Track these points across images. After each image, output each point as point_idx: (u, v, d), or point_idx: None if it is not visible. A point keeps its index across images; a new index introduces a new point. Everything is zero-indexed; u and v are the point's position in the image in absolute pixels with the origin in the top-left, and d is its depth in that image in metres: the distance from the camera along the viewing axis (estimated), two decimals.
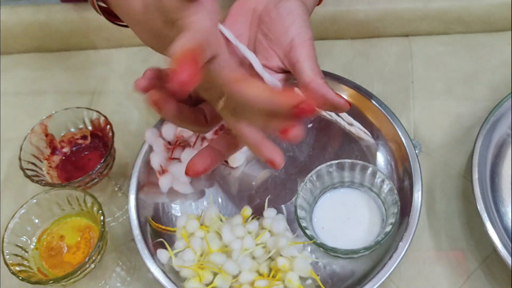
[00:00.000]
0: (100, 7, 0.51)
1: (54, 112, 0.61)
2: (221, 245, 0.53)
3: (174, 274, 0.52)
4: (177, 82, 0.32)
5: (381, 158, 0.59)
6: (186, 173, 0.44)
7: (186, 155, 0.58)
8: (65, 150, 0.63)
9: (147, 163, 0.59)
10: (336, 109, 0.44)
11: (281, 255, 0.51)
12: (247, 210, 0.56)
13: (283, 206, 0.57)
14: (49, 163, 0.62)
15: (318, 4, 0.54)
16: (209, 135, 0.60)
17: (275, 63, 0.47)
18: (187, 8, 0.38)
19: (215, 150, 0.45)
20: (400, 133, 0.58)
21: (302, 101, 0.35)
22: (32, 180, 0.57)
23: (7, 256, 0.53)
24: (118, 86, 0.72)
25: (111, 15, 0.52)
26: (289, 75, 0.48)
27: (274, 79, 0.46)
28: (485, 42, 0.70)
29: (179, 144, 0.60)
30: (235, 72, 0.39)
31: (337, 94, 0.44)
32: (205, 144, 0.60)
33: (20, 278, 0.51)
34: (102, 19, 0.73)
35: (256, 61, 0.45)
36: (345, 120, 0.61)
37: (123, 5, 0.46)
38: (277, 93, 0.36)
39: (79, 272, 0.52)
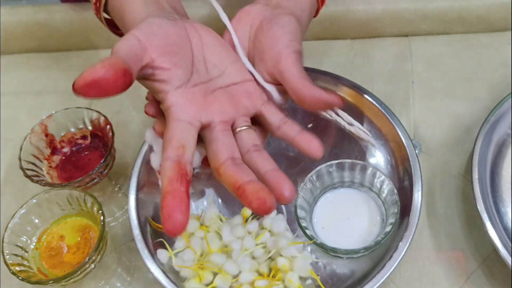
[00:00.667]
0: (106, 19, 0.53)
1: (54, 112, 0.61)
2: (221, 245, 0.53)
3: (174, 274, 0.52)
4: (169, 234, 0.37)
5: (381, 158, 0.59)
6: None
7: None
8: (65, 150, 0.63)
9: (147, 163, 0.59)
10: (330, 106, 0.44)
11: (281, 255, 0.51)
12: (247, 210, 0.56)
13: (283, 206, 0.57)
14: (49, 163, 0.62)
15: (314, 16, 0.55)
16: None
17: (266, 76, 0.48)
18: (158, 93, 0.43)
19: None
20: (400, 133, 0.58)
21: (256, 209, 0.38)
22: (32, 180, 0.57)
23: (7, 256, 0.53)
24: None
25: (116, 27, 0.54)
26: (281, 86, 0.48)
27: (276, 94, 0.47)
28: (485, 42, 0.70)
29: None
30: (216, 157, 0.42)
31: (327, 91, 0.44)
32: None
33: (20, 278, 0.51)
34: None
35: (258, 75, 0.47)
36: (345, 120, 0.61)
37: (121, 25, 0.49)
38: (240, 194, 0.39)
39: (79, 272, 0.52)
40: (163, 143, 0.41)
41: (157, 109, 0.46)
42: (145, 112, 0.47)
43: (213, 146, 0.43)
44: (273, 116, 0.46)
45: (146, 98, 0.49)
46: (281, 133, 0.45)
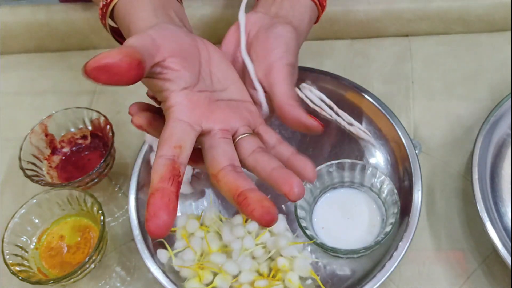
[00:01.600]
0: (110, 27, 0.53)
1: (54, 112, 0.61)
2: (221, 245, 0.53)
3: (174, 274, 0.52)
4: (150, 235, 0.35)
5: (381, 158, 0.59)
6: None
7: None
8: (65, 150, 0.63)
9: (147, 163, 0.59)
10: (310, 130, 0.45)
11: (281, 255, 0.51)
12: None
13: (283, 206, 0.57)
14: (49, 163, 0.62)
15: (315, 23, 0.55)
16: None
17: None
18: (162, 91, 0.42)
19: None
20: (400, 133, 0.58)
21: (258, 218, 0.38)
22: (32, 180, 0.57)
23: (7, 256, 0.53)
24: (118, 86, 0.72)
25: (118, 35, 0.54)
26: None
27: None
28: (485, 42, 0.70)
29: None
30: (214, 164, 0.40)
31: (309, 115, 0.44)
32: None
33: (20, 278, 0.51)
34: None
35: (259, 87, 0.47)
36: (345, 120, 0.61)
37: (126, 33, 0.48)
38: (240, 202, 0.39)
39: (79, 272, 0.52)
40: (160, 140, 0.40)
41: (147, 121, 0.45)
42: (132, 122, 0.45)
43: (212, 152, 0.41)
44: (270, 136, 0.45)
45: (147, 94, 0.48)
46: (275, 152, 0.44)
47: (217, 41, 0.73)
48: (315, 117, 0.45)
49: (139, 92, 0.71)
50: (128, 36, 0.49)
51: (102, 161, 0.57)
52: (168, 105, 0.42)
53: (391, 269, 0.50)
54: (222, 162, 0.40)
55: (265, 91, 0.47)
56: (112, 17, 0.51)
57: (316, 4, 0.53)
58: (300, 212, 0.52)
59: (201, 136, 0.42)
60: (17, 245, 0.54)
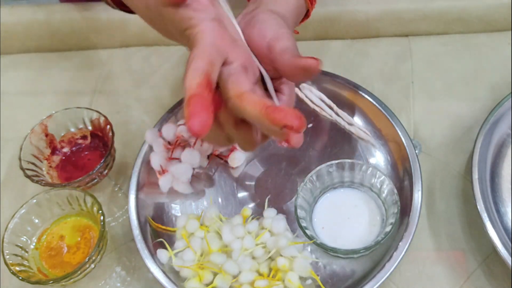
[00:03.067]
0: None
1: (54, 112, 0.61)
2: (221, 245, 0.53)
3: (174, 274, 0.52)
4: (192, 133, 0.35)
5: (381, 158, 0.59)
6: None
7: (186, 155, 0.58)
8: (65, 150, 0.63)
9: (147, 163, 0.59)
10: (308, 71, 0.42)
11: (281, 255, 0.51)
12: (247, 210, 0.56)
13: (283, 206, 0.57)
14: (49, 163, 0.62)
15: (307, 18, 0.54)
16: None
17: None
18: (191, 18, 0.41)
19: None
20: (400, 133, 0.58)
21: (290, 123, 0.37)
22: (32, 180, 0.57)
23: (7, 256, 0.53)
24: (118, 86, 0.72)
25: (122, 5, 0.53)
26: None
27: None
28: (485, 42, 0.70)
29: (179, 144, 0.60)
30: (238, 85, 0.40)
31: (305, 57, 0.43)
32: (205, 144, 0.60)
33: (20, 278, 0.51)
34: (102, 19, 0.73)
35: (267, 78, 0.46)
36: (345, 120, 0.61)
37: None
38: (270, 113, 0.38)
39: (79, 272, 0.52)
40: (191, 56, 0.39)
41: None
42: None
43: (236, 76, 0.41)
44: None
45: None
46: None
47: None
48: (309, 56, 0.43)
49: (139, 92, 0.71)
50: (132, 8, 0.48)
51: (102, 161, 0.57)
52: (197, 30, 0.41)
53: (391, 269, 0.50)
54: (246, 85, 0.40)
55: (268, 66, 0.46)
56: None
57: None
58: (300, 212, 0.52)
59: (222, 66, 0.42)
60: (17, 245, 0.54)
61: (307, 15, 0.55)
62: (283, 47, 0.44)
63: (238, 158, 0.60)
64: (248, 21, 0.47)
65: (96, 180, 0.59)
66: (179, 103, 0.63)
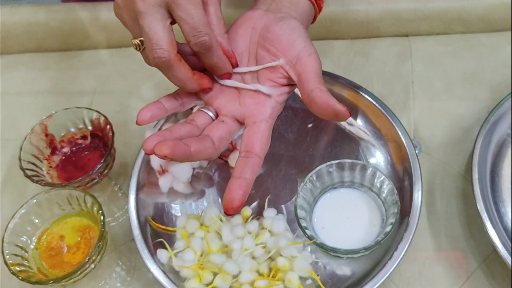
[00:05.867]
0: None
1: (54, 112, 0.61)
2: (221, 245, 0.53)
3: (174, 274, 0.52)
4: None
5: (381, 158, 0.59)
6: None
7: None
8: (65, 150, 0.63)
9: (147, 163, 0.59)
10: (338, 117, 0.45)
11: (281, 255, 0.51)
12: (247, 210, 0.56)
13: (283, 206, 0.57)
14: (49, 163, 0.62)
15: (312, 23, 0.55)
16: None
17: (278, 76, 0.49)
18: None
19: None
20: (400, 133, 0.58)
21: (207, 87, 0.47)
22: (32, 180, 0.57)
23: (7, 256, 0.53)
24: (118, 86, 0.72)
25: None
26: (291, 87, 0.50)
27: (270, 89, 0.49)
28: (485, 42, 0.70)
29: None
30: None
31: (339, 102, 0.45)
32: None
33: (20, 278, 0.51)
34: (102, 19, 0.73)
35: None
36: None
37: None
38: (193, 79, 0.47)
39: (79, 272, 0.52)
40: None
41: (159, 111, 0.48)
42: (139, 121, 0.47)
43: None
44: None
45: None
46: None
47: None
48: (343, 103, 0.45)
49: (139, 92, 0.71)
50: None
51: (102, 161, 0.57)
52: None
53: (391, 269, 0.50)
54: None
55: (289, 84, 0.49)
56: None
57: (313, 4, 0.53)
58: (300, 212, 0.52)
59: None
60: (17, 245, 0.54)
61: (312, 21, 0.55)
62: (312, 78, 0.46)
63: None
64: (275, 20, 0.49)
65: (96, 180, 0.59)
66: None
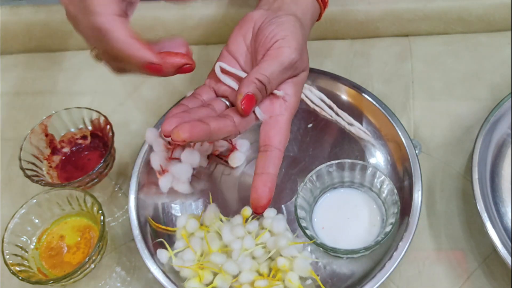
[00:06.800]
0: None
1: (54, 112, 0.61)
2: (221, 245, 0.53)
3: (174, 274, 0.52)
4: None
5: (381, 158, 0.59)
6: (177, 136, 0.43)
7: (186, 155, 0.58)
8: (65, 150, 0.63)
9: (147, 163, 0.59)
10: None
11: (281, 255, 0.51)
12: (247, 210, 0.56)
13: (283, 206, 0.57)
14: (49, 163, 0.62)
15: (317, 20, 0.55)
16: None
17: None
18: None
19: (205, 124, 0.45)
20: (400, 133, 0.58)
21: (152, 63, 0.42)
22: (32, 180, 0.57)
23: (7, 256, 0.53)
24: (118, 86, 0.72)
25: None
26: (297, 78, 0.50)
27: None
28: (485, 42, 0.70)
29: (179, 144, 0.60)
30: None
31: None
32: (205, 144, 0.60)
33: (20, 278, 0.51)
34: None
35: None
36: (345, 120, 0.61)
37: None
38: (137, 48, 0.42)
39: (79, 272, 0.52)
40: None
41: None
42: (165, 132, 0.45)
43: None
44: None
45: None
46: None
47: (218, 41, 0.74)
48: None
49: (139, 92, 0.71)
50: None
51: (102, 161, 0.57)
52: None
53: (391, 269, 0.50)
54: None
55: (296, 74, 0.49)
56: None
57: (318, 0, 0.53)
58: (300, 212, 0.52)
59: None
60: (17, 245, 0.54)
61: (318, 18, 0.55)
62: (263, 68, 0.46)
63: (238, 158, 0.60)
64: (268, 19, 0.49)
65: (96, 180, 0.59)
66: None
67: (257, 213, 0.45)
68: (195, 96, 0.50)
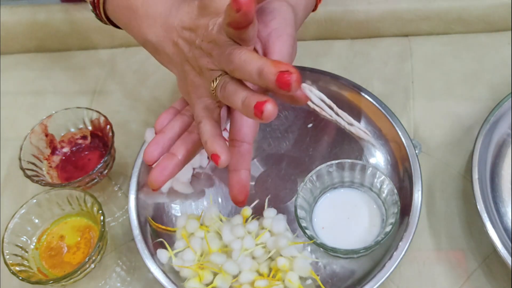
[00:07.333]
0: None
1: (54, 112, 0.61)
2: (221, 245, 0.53)
3: (174, 274, 0.52)
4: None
5: (381, 158, 0.59)
6: (152, 187, 0.44)
7: None
8: (65, 150, 0.63)
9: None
10: (295, 101, 0.41)
11: (281, 255, 0.51)
12: (247, 210, 0.56)
13: (283, 206, 0.57)
14: (49, 163, 0.62)
15: (313, 10, 0.54)
16: None
17: None
18: None
19: (175, 156, 0.45)
20: (400, 133, 0.58)
21: (286, 70, 0.35)
22: (32, 180, 0.57)
23: (7, 256, 0.53)
24: (118, 86, 0.72)
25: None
26: None
27: None
28: (485, 42, 0.70)
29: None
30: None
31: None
32: None
33: (20, 278, 0.51)
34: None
35: None
36: (345, 120, 0.61)
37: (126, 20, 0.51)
38: (265, 59, 0.37)
39: (79, 272, 0.52)
40: None
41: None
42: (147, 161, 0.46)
43: None
44: None
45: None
46: None
47: None
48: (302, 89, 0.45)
49: (139, 92, 0.71)
50: (130, 21, 0.50)
51: (102, 161, 0.57)
52: None
53: (391, 269, 0.50)
54: None
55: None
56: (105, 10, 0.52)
57: None
58: (300, 212, 0.52)
59: None
60: (17, 245, 0.54)
61: (314, 8, 0.54)
62: (279, 54, 0.44)
63: None
64: (260, 7, 0.47)
65: (96, 180, 0.59)
66: None
67: (239, 206, 0.48)
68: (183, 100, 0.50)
